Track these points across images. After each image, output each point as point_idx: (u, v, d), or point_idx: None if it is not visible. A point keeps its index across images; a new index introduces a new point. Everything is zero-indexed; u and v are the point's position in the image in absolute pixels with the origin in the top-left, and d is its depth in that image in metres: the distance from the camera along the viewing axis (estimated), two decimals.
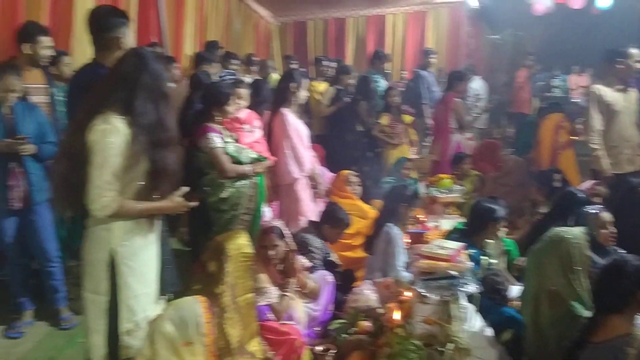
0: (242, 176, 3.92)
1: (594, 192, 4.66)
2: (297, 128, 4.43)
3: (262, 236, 3.49)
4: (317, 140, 6.58)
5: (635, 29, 6.49)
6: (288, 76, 4.62)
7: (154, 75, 2.34)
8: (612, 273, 2.60)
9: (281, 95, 4.54)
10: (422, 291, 3.12)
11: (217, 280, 3.08)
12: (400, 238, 4.09)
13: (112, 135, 2.21)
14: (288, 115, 4.42)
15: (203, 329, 2.38)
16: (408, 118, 7.06)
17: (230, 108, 3.99)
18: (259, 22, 11.85)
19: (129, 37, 2.92)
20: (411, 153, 7.05)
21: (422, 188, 6.06)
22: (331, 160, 6.39)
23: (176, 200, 2.44)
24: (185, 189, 2.48)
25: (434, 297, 3.10)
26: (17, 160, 3.55)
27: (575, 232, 3.10)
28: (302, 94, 4.56)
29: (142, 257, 2.40)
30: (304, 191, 4.45)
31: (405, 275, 3.89)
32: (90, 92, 2.38)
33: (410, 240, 4.59)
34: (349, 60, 12.69)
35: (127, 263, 2.34)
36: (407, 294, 3.52)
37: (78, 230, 4.38)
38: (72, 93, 3.10)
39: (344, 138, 6.39)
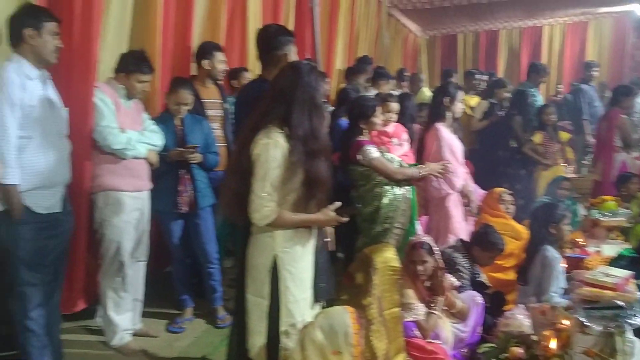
0: (400, 185, 3.92)
1: None
2: (451, 143, 4.34)
3: (411, 251, 3.44)
4: (467, 155, 6.42)
5: None
6: (442, 90, 4.55)
7: (308, 87, 2.41)
8: None
9: (435, 110, 4.47)
10: (584, 320, 2.90)
11: (364, 292, 3.10)
12: (557, 261, 3.83)
13: (273, 149, 2.33)
14: (442, 130, 4.34)
15: (351, 340, 2.40)
16: (565, 135, 6.65)
17: (376, 120, 4.01)
18: (407, 36, 11.87)
19: (294, 54, 3.05)
20: (567, 172, 6.62)
21: (581, 209, 5.67)
22: (481, 177, 6.18)
23: (329, 214, 2.49)
24: (338, 203, 2.53)
25: (596, 327, 2.88)
26: (186, 168, 3.85)
27: None
28: (457, 108, 4.46)
29: (302, 263, 2.48)
30: (455, 208, 4.33)
31: (561, 301, 3.64)
32: (254, 108, 2.52)
33: (567, 265, 4.30)
34: (500, 73, 12.30)
35: (288, 269, 2.43)
36: (566, 322, 3.30)
37: (237, 235, 4.71)
38: (238, 107, 3.31)
39: (495, 154, 6.17)
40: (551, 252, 3.86)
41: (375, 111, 4.00)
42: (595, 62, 9.15)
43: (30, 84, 2.83)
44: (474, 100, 6.80)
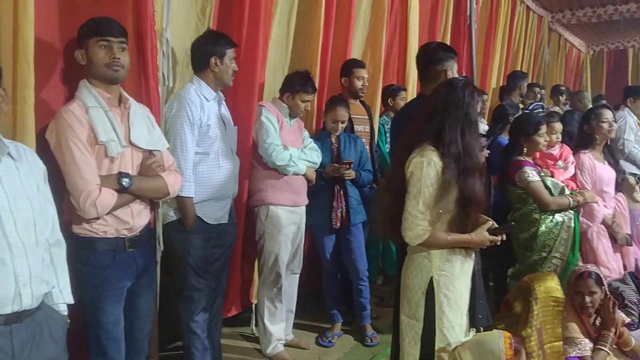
0: (560, 211, 3.68)
1: None
2: (593, 174, 3.96)
3: (577, 281, 3.19)
4: None
5: None
6: (584, 116, 4.19)
7: (461, 103, 2.36)
8: None
9: (579, 136, 4.14)
10: None
11: (523, 322, 2.94)
12: None
13: (427, 167, 2.30)
14: (585, 160, 3.99)
15: None
16: None
17: (540, 139, 3.79)
18: (570, 51, 11.20)
19: (455, 71, 3.00)
20: None
21: None
22: None
23: (483, 234, 2.40)
24: (492, 222, 2.43)
25: None
26: (340, 184, 3.93)
27: None
28: (604, 132, 4.02)
29: (458, 287, 2.40)
30: (598, 242, 3.93)
31: None
32: (409, 125, 2.51)
33: None
34: None
35: (445, 292, 2.37)
36: None
37: (389, 253, 4.70)
38: (396, 126, 3.32)
39: None
40: None
41: (539, 129, 3.79)
42: None
43: (207, 105, 3.06)
44: None
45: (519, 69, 7.78)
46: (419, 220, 2.31)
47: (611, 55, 12.45)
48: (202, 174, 3.04)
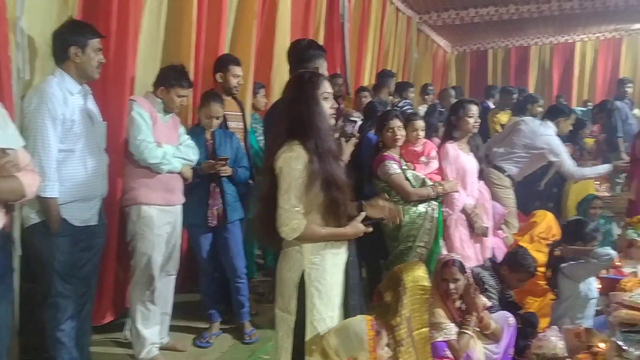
0: (421, 202, 3.88)
1: None
2: (457, 163, 4.18)
3: (442, 268, 3.39)
4: None
5: None
6: (452, 108, 4.47)
7: (307, 93, 2.40)
8: None
9: (447, 126, 4.39)
10: (622, 344, 2.81)
11: (393, 311, 3.05)
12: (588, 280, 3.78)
13: (295, 161, 2.32)
14: (449, 149, 4.20)
15: (366, 345, 2.34)
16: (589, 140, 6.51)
17: (387, 134, 3.94)
18: (437, 52, 11.85)
19: (325, 69, 3.06)
20: (600, 190, 6.49)
21: (616, 229, 5.55)
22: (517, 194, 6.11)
23: (357, 225, 2.47)
24: (363, 213, 2.51)
25: (634, 352, 2.79)
26: (216, 181, 3.87)
27: None
28: (467, 125, 4.21)
29: (330, 280, 2.45)
30: (455, 229, 4.14)
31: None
32: (274, 123, 2.53)
33: (602, 286, 4.20)
34: (531, 88, 12.19)
35: (316, 285, 2.40)
36: (602, 345, 3.21)
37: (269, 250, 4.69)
38: (267, 124, 3.32)
39: (535, 172, 6.05)
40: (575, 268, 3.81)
41: (387, 124, 3.95)
42: (629, 78, 9.02)
43: (72, 99, 2.89)
44: (505, 116, 6.73)
45: (390, 67, 8.10)
46: (292, 215, 2.32)
47: (473, 55, 13.33)
48: (67, 172, 2.87)
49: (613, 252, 3.82)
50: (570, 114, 6.07)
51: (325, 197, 2.37)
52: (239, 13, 4.82)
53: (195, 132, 3.93)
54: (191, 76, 3.96)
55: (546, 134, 5.23)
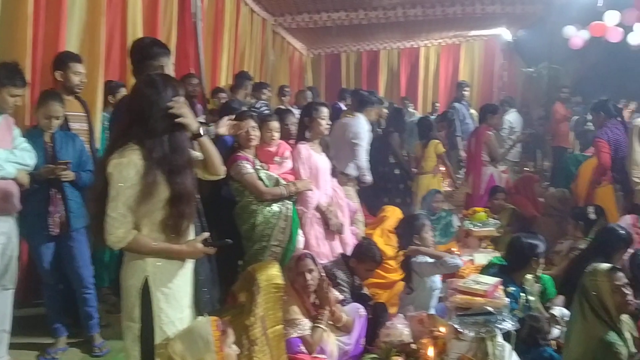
0: (275, 201, 3.92)
1: (638, 227, 4.53)
2: (310, 162, 4.28)
3: (297, 262, 3.46)
4: None
5: None
6: (304, 110, 4.59)
7: (162, 101, 2.27)
8: None
9: (299, 129, 4.49)
10: (458, 327, 3.05)
11: (247, 311, 3.06)
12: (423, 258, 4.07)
13: (126, 168, 2.20)
14: (302, 149, 4.29)
15: (212, 347, 2.33)
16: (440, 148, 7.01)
17: (251, 134, 3.95)
18: (293, 54, 12.04)
19: (170, 68, 2.99)
20: (445, 185, 7.01)
21: (456, 221, 6.00)
22: (363, 192, 6.38)
23: (196, 246, 2.39)
24: (206, 234, 2.44)
25: (469, 333, 3.03)
26: (57, 186, 3.62)
27: (602, 268, 3.02)
28: (319, 127, 4.32)
29: (177, 282, 2.38)
30: (310, 227, 4.26)
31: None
32: (115, 125, 2.41)
33: (442, 275, 4.52)
34: (381, 91, 12.80)
35: (162, 289, 2.33)
36: (442, 329, 3.46)
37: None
38: (111, 123, 3.18)
39: (376, 169, 6.37)
40: (421, 258, 4.06)
41: (246, 119, 3.96)
42: (466, 82, 9.82)
43: None
44: None
45: (246, 68, 8.10)
46: (118, 223, 2.22)
47: (328, 58, 13.73)
48: None
49: (460, 262, 4.11)
50: (375, 103, 6.54)
51: (171, 212, 2.29)
52: (86, 9, 4.56)
53: (33, 134, 3.64)
54: (27, 74, 3.68)
55: (354, 124, 5.61)
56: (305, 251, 3.55)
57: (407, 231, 4.28)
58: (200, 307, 2.56)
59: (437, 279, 4.23)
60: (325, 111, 4.34)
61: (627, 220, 4.58)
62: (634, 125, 5.04)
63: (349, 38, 12.21)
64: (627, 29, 9.45)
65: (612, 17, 9.29)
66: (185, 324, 2.42)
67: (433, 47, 13.18)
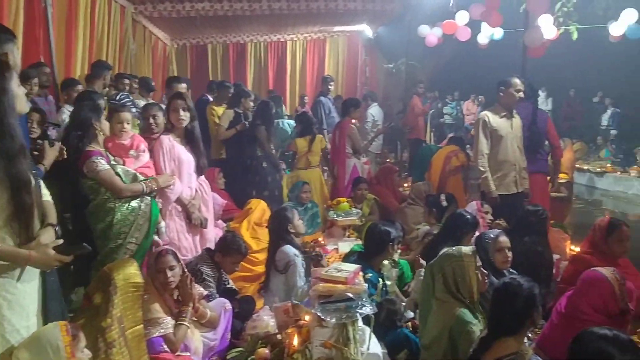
0: (134, 198, 3.74)
1: (483, 212, 4.91)
2: (172, 154, 4.17)
3: (157, 259, 3.33)
4: (218, 164, 6.51)
5: (518, 61, 7.00)
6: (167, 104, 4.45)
7: None
8: (506, 296, 2.71)
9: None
10: (320, 315, 3.11)
11: (103, 312, 2.90)
12: (298, 258, 4.10)
13: None
14: (164, 140, 4.16)
15: (63, 353, 2.20)
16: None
17: (98, 127, 3.75)
18: (156, 44, 11.61)
19: (17, 55, 2.74)
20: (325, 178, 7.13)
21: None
22: (232, 185, 6.33)
23: (47, 252, 2.22)
24: (59, 241, 2.30)
25: (331, 320, 3.10)
26: None
27: (462, 251, 3.24)
28: (174, 119, 4.19)
29: (22, 288, 2.21)
30: (171, 221, 4.17)
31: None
32: None
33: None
34: (249, 84, 12.75)
35: (4, 295, 2.15)
36: (307, 318, 3.52)
37: None
38: None
39: (244, 162, 6.34)
40: (289, 248, 4.11)
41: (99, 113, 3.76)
42: (331, 76, 10.05)
43: None
44: (221, 109, 6.92)
45: (104, 58, 7.67)
46: None
47: (194, 49, 13.41)
48: None
49: (301, 282, 4.10)
50: (246, 95, 6.83)
51: (14, 203, 2.12)
52: None
53: None
54: None
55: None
56: (167, 247, 3.43)
57: (278, 225, 4.27)
58: (49, 317, 2.38)
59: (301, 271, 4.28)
60: (179, 103, 4.21)
61: (473, 206, 4.94)
62: (479, 117, 5.44)
63: (215, 29, 12.01)
64: (477, 30, 10.21)
65: (462, 17, 9.97)
66: (32, 332, 2.25)
67: (299, 41, 13.35)
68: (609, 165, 11.89)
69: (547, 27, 8.03)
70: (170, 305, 3.38)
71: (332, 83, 9.48)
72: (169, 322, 3.28)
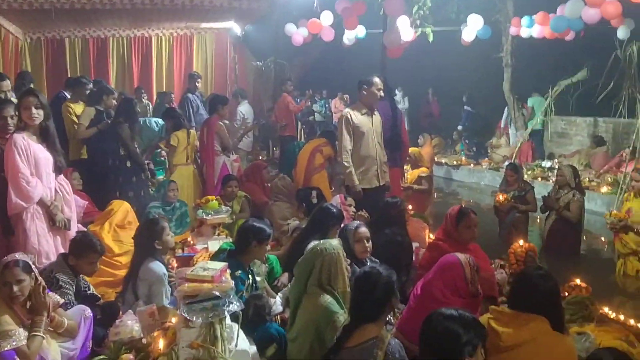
0: None
1: (346, 205, 5.10)
2: (28, 152, 3.96)
3: (4, 271, 3.09)
4: (78, 164, 6.16)
5: (379, 61, 7.36)
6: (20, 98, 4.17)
7: None
8: (366, 284, 2.85)
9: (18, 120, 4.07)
10: (186, 315, 3.07)
11: None
12: (165, 276, 3.97)
13: None
14: (17, 138, 3.93)
15: None
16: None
17: None
18: (7, 38, 10.76)
19: None
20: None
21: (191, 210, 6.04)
22: (93, 186, 6.02)
23: None
24: None
25: (197, 320, 3.07)
26: None
27: (333, 244, 3.36)
28: (24, 116, 4.00)
29: None
30: (32, 223, 3.98)
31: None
32: None
33: (179, 265, 4.52)
34: (112, 81, 12.20)
35: None
36: (173, 320, 3.45)
37: None
38: None
39: (106, 162, 6.05)
40: (157, 265, 3.97)
41: None
42: (198, 73, 9.90)
43: None
44: (79, 107, 6.54)
45: None
46: None
47: (49, 44, 12.56)
48: None
49: (166, 302, 3.95)
50: (109, 92, 6.68)
51: None
52: None
53: None
54: None
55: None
56: (16, 257, 3.17)
57: (145, 238, 4.08)
58: None
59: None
60: (31, 100, 3.96)
61: (337, 200, 5.12)
62: (342, 115, 5.62)
63: (72, 23, 11.32)
64: (342, 30, 10.56)
65: (326, 17, 10.25)
66: None
67: (165, 37, 12.95)
68: (463, 158, 12.82)
69: (405, 29, 8.51)
70: (21, 316, 3.15)
71: (199, 80, 9.34)
72: (21, 333, 3.06)
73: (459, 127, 14.11)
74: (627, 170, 7.76)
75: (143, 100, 9.83)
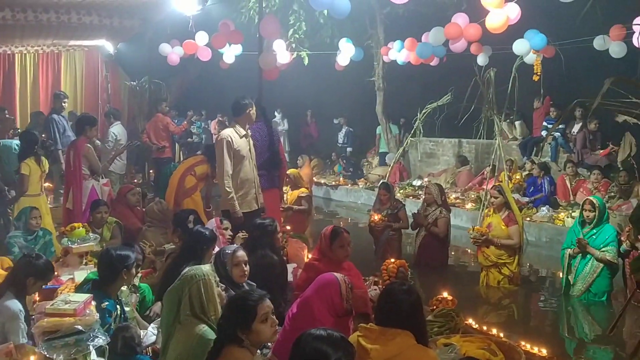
0: None
1: (222, 228, 5.02)
2: None
3: None
4: None
5: (255, 82, 7.38)
6: None
7: None
8: (231, 308, 2.79)
9: None
10: (46, 353, 2.86)
11: None
12: (14, 304, 3.66)
13: None
14: None
15: None
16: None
17: None
18: None
19: None
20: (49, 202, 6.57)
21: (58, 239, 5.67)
22: None
23: None
24: None
25: (59, 357, 2.88)
26: None
27: (204, 270, 3.28)
28: None
29: None
30: None
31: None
32: None
33: (40, 298, 4.21)
34: None
35: None
36: (32, 358, 3.20)
37: None
38: None
39: None
40: (12, 302, 3.62)
41: None
42: (64, 92, 9.38)
43: None
44: None
45: None
46: None
47: None
48: None
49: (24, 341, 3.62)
50: None
51: None
52: None
53: None
54: None
55: None
56: None
57: (20, 272, 3.72)
58: None
59: None
60: None
61: (212, 223, 5.03)
62: (222, 138, 5.50)
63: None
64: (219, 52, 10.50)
65: (202, 38, 10.16)
66: None
67: (29, 54, 12.19)
68: (341, 178, 13.17)
69: (281, 52, 8.64)
70: None
71: (65, 100, 8.83)
72: None
73: (348, 149, 14.58)
74: (488, 187, 8.35)
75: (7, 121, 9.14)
